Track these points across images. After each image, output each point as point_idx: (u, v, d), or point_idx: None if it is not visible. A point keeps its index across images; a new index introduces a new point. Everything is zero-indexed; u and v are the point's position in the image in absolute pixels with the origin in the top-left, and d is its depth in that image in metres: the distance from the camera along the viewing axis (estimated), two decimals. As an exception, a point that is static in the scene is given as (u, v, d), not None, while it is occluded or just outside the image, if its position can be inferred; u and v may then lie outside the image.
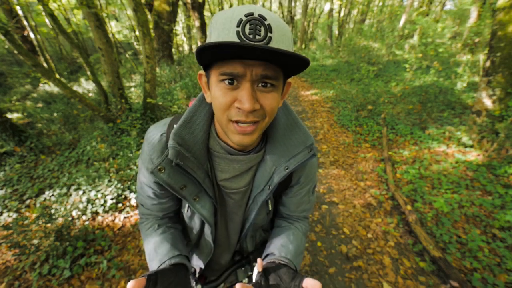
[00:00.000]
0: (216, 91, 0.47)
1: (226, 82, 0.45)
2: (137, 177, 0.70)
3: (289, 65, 0.44)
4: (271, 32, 0.41)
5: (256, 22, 0.41)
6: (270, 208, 0.73)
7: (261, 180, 0.65)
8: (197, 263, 0.83)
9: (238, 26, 0.41)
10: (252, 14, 0.41)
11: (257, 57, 0.41)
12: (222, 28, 0.42)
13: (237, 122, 0.48)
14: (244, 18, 0.41)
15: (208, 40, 0.45)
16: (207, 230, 0.71)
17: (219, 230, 0.75)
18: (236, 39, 0.41)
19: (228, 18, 0.42)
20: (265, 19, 0.41)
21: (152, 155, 0.59)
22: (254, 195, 0.68)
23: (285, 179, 0.67)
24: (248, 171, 0.65)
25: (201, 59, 0.44)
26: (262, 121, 0.49)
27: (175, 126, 0.58)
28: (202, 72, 0.54)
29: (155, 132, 0.61)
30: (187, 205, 0.69)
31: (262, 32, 0.41)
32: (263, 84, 0.45)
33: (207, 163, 0.61)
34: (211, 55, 0.42)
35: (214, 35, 0.44)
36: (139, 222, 0.76)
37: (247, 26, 0.41)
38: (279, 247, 0.68)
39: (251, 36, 0.41)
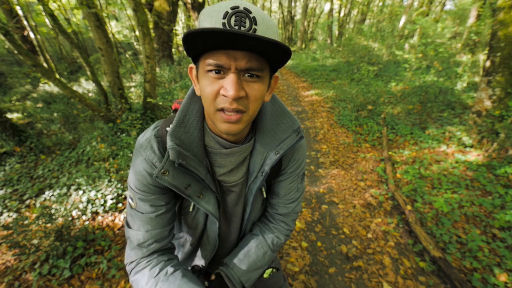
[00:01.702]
0: (203, 81, 0.48)
1: (213, 72, 0.46)
2: (128, 200, 0.64)
3: (273, 55, 0.45)
4: (255, 24, 0.43)
5: (241, 14, 0.43)
6: (264, 195, 0.75)
7: (254, 168, 0.67)
8: (201, 262, 0.83)
9: (224, 18, 0.43)
10: (237, 7, 0.43)
11: (241, 46, 0.42)
12: (209, 20, 0.44)
13: (222, 110, 0.49)
14: (230, 11, 0.43)
15: None
16: (212, 225, 0.72)
17: (221, 226, 0.76)
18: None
19: (215, 11, 0.44)
20: (250, 12, 0.43)
21: (153, 159, 0.58)
22: (249, 184, 0.69)
23: (276, 163, 0.69)
24: (243, 162, 0.66)
25: (187, 48, 0.45)
26: (246, 113, 0.50)
27: (167, 129, 0.59)
28: (192, 65, 0.55)
29: (147, 136, 0.60)
30: (191, 205, 0.69)
31: (247, 24, 0.43)
32: (248, 74, 0.47)
33: (206, 160, 0.62)
34: (196, 44, 0.43)
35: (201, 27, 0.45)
36: (134, 269, 0.62)
37: (233, 18, 0.42)
38: (234, 259, 0.71)
39: (236, 27, 0.42)
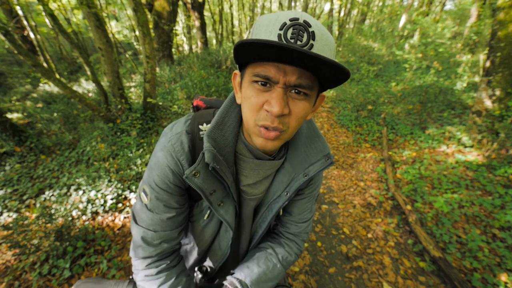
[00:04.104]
0: (248, 92, 0.47)
1: (259, 83, 0.44)
2: (141, 194, 0.60)
3: (326, 75, 0.43)
4: (313, 39, 0.41)
5: (299, 27, 0.40)
6: (281, 213, 0.73)
7: (278, 187, 0.65)
8: (209, 264, 0.82)
9: (281, 29, 0.41)
10: (297, 19, 0.40)
11: (294, 61, 0.40)
12: (265, 29, 0.42)
13: (262, 127, 0.47)
14: (288, 22, 0.40)
15: None
16: (225, 234, 0.70)
17: (234, 236, 0.74)
18: (277, 41, 0.40)
19: (272, 20, 0.42)
20: (310, 26, 0.41)
21: (181, 156, 0.55)
22: (269, 202, 0.67)
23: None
24: (268, 177, 0.65)
25: (238, 56, 0.44)
26: (285, 132, 0.48)
27: (201, 127, 0.57)
28: (237, 72, 0.53)
29: (178, 130, 0.57)
30: (208, 212, 0.66)
31: (305, 38, 0.40)
32: (296, 91, 0.45)
33: (233, 167, 0.60)
34: (248, 54, 0.42)
35: (255, 36, 0.44)
36: (143, 271, 0.62)
37: (290, 30, 0.40)
38: (244, 268, 0.69)
39: (292, 40, 0.40)
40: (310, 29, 0.40)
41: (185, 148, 0.56)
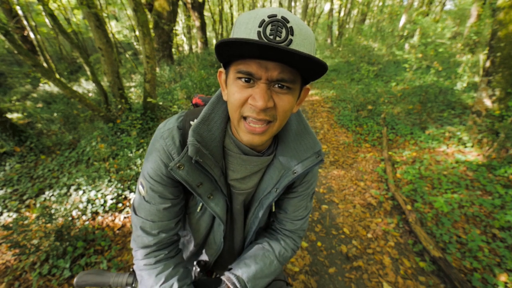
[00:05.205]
0: (232, 88, 0.48)
1: (243, 80, 0.46)
2: (139, 186, 0.63)
3: (307, 69, 0.44)
4: (292, 34, 0.42)
5: (278, 23, 0.41)
6: (273, 210, 0.74)
7: (268, 183, 0.66)
8: (206, 258, 0.83)
9: (260, 26, 0.41)
10: (275, 15, 0.41)
11: (274, 57, 0.41)
12: (245, 27, 0.43)
13: (246, 118, 0.48)
14: (267, 19, 0.41)
15: None
16: (218, 228, 0.71)
17: (227, 229, 0.75)
18: (257, 39, 0.41)
19: (252, 18, 0.43)
20: (288, 22, 0.41)
21: (172, 150, 0.58)
22: (260, 198, 0.68)
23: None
24: (257, 173, 0.66)
25: (220, 55, 0.45)
26: (273, 123, 0.49)
27: (192, 122, 0.58)
28: (222, 69, 0.55)
29: (170, 126, 0.60)
30: (200, 205, 0.68)
31: (283, 34, 0.41)
32: (279, 85, 0.46)
33: (222, 161, 0.62)
34: (230, 52, 0.43)
35: (236, 34, 0.44)
36: (141, 261, 0.64)
37: (269, 27, 0.41)
38: (241, 264, 0.70)
39: (271, 37, 0.41)
40: (289, 25, 0.41)
41: (176, 142, 0.58)
